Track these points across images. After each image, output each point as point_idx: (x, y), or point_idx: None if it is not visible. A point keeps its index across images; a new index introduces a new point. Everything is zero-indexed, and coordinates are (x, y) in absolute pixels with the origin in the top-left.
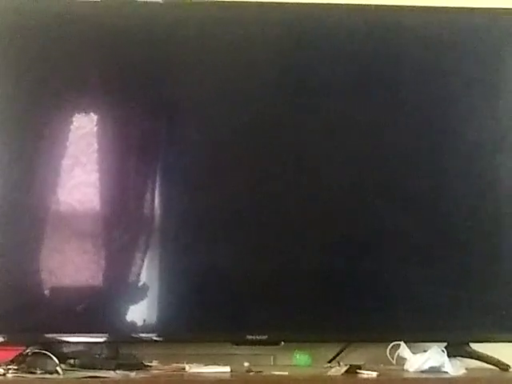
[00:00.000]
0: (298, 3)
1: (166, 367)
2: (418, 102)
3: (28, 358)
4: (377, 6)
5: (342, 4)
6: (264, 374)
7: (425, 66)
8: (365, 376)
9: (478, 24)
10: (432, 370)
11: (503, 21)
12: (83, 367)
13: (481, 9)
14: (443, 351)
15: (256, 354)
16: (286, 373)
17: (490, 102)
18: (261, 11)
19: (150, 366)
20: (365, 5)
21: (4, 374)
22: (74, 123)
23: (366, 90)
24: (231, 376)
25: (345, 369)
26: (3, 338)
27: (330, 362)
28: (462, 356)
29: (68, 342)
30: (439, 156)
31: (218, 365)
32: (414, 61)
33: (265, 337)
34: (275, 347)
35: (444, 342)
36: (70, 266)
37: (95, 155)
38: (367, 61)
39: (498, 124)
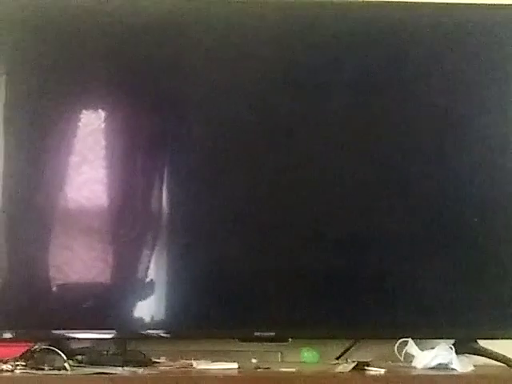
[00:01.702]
0: (302, 0)
1: (173, 364)
2: (421, 99)
3: (36, 355)
4: (378, 3)
5: (345, 1)
6: (272, 370)
7: (429, 63)
8: (373, 373)
9: (483, 20)
10: (440, 366)
11: (509, 17)
12: (91, 363)
13: (486, 5)
14: (451, 348)
15: (264, 351)
16: (294, 369)
17: (496, 99)
18: (266, 8)
19: (158, 363)
20: (366, 2)
21: (12, 370)
22: (82, 120)
23: (370, 88)
24: (239, 372)
25: (352, 365)
26: (11, 334)
27: (337, 358)
28: (469, 353)
29: (76, 339)
30: (441, 153)
31: (226, 361)
32: (418, 58)
33: (272, 333)
34: (283, 344)
35: (452, 338)
36: (78, 263)
37: (103, 152)
38: (370, 58)
39: (503, 122)
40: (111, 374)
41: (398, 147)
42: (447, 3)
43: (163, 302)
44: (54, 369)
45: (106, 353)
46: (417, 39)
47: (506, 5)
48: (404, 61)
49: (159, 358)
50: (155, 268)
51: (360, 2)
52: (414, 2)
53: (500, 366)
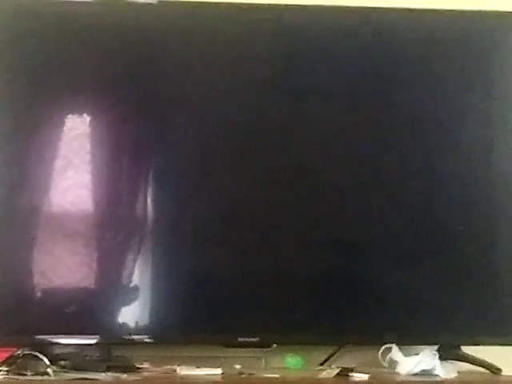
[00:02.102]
0: (295, 5)
1: (157, 369)
2: (414, 104)
3: (19, 360)
4: (374, 9)
5: (339, 6)
6: (255, 376)
7: (422, 68)
8: (356, 379)
9: (475, 26)
10: (423, 373)
11: (500, 23)
12: (74, 369)
13: (478, 11)
14: (435, 354)
15: (247, 357)
16: (278, 375)
17: (486, 104)
18: (256, 12)
19: (142, 368)
20: (362, 7)
21: None
22: (67, 124)
23: (362, 92)
24: (222, 378)
25: (336, 371)
26: None
27: (321, 364)
28: (453, 359)
29: (59, 344)
30: (435, 158)
31: (210, 367)
32: (411, 63)
33: (256, 339)
34: (267, 350)
35: (435, 344)
36: (62, 268)
37: (88, 156)
38: (364, 63)
39: (494, 126)
40: (94, 379)
41: (394, 152)
42: (438, 10)
43: (147, 308)
44: (36, 374)
45: (89, 358)
46: (411, 45)
47: (492, 11)
48: (397, 67)
49: (143, 364)
50: (139, 273)
51: (355, 8)
52: (409, 9)
53: (484, 372)
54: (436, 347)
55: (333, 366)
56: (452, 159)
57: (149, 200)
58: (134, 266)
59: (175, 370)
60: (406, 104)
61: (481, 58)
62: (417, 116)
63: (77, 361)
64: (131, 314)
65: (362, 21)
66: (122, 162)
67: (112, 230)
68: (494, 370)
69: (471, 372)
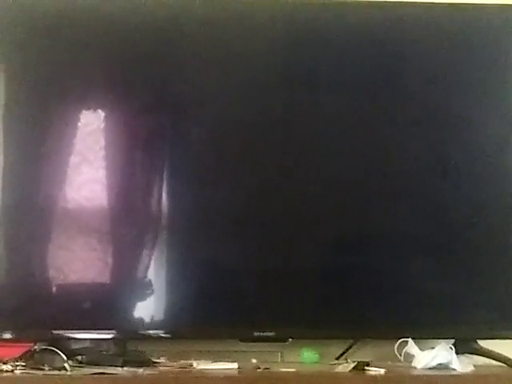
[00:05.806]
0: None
1: (173, 364)
2: (421, 98)
3: (36, 355)
4: (381, 3)
5: (346, 0)
6: (271, 370)
7: (429, 62)
8: (372, 373)
9: (482, 20)
10: (440, 366)
11: (508, 16)
12: (91, 364)
13: (485, 5)
14: (451, 348)
15: (263, 351)
16: (294, 369)
17: (496, 98)
18: (267, 6)
19: (158, 363)
20: (369, 1)
21: (12, 371)
22: (81, 120)
23: (370, 86)
24: (239, 373)
25: (352, 365)
26: (11, 334)
27: (337, 358)
28: (469, 353)
29: (76, 339)
30: (443, 152)
31: (226, 361)
32: (419, 57)
33: (272, 333)
34: (283, 344)
35: (452, 338)
36: (78, 263)
37: (102, 152)
38: (371, 57)
39: (504, 121)
40: (111, 374)
41: (396, 146)
42: (445, 3)
43: (163, 302)
44: (53, 369)
45: (105, 353)
46: (416, 39)
47: (503, 5)
48: (403, 60)
49: (159, 358)
50: (155, 268)
51: (359, 2)
52: (415, 3)
53: (500, 366)
54: (452, 341)
55: (349, 360)
56: (464, 153)
57: (163, 195)
58: (149, 261)
59: (191, 365)
60: (417, 99)
61: (494, 53)
62: (429, 109)
63: (93, 356)
64: (147, 309)
65: (372, 15)
66: (136, 157)
67: (127, 225)
68: (511, 364)
69: (487, 366)
